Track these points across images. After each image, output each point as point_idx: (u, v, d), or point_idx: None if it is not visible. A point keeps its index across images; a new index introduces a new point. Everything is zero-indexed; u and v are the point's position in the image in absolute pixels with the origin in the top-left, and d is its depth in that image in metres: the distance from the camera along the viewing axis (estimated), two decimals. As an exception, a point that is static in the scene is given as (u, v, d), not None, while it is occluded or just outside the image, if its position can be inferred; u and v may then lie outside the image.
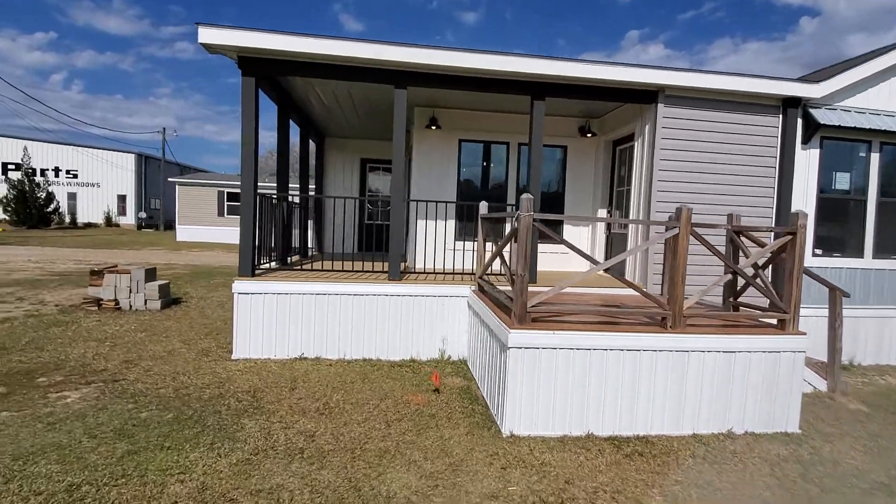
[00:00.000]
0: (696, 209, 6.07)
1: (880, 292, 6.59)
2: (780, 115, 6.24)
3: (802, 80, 6.14)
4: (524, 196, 3.88)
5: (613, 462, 3.62)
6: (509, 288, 5.15)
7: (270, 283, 5.54)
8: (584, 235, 8.06)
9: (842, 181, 6.53)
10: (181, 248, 21.56)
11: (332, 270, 6.03)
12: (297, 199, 8.03)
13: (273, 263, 6.74)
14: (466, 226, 7.56)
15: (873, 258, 6.59)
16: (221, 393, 4.46)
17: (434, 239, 6.99)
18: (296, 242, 10.79)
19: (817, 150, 6.39)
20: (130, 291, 7.91)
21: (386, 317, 5.73)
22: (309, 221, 10.25)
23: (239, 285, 5.49)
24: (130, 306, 7.90)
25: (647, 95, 6.06)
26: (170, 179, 26.67)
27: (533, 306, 3.94)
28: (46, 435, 3.48)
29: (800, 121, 6.23)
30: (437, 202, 6.59)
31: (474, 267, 6.34)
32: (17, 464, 3.08)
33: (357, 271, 6.14)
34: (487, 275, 5.63)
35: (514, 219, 3.96)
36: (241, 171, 5.59)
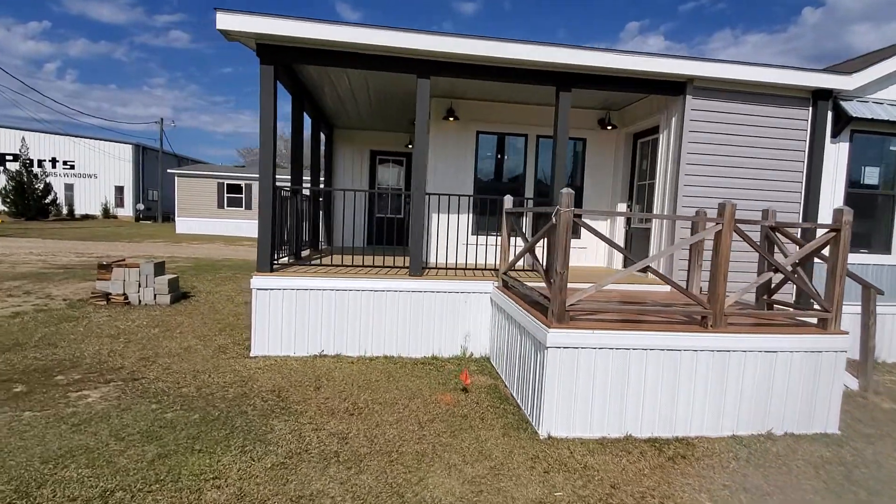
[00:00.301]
0: (705, 203, 5.98)
1: (906, 289, 6.50)
2: (810, 108, 6.10)
3: (833, 71, 6.00)
4: (564, 190, 3.74)
5: (657, 465, 3.52)
6: (539, 284, 5.03)
7: (289, 279, 5.39)
8: (603, 230, 7.93)
9: (871, 176, 6.41)
10: (181, 240, 21.33)
11: (353, 266, 5.89)
12: (308, 192, 7.86)
13: (288, 258, 6.59)
14: (483, 220, 7.42)
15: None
16: (245, 392, 4.33)
17: (449, 233, 6.85)
18: (306, 236, 10.67)
19: (847, 144, 6.26)
20: (139, 286, 7.74)
21: (407, 313, 5.60)
22: (319, 214, 10.08)
23: (257, 281, 5.34)
24: (139, 301, 7.74)
25: (675, 87, 5.90)
26: (168, 171, 26.35)
27: (571, 305, 3.81)
28: (73, 437, 3.35)
29: (829, 114, 6.09)
30: (456, 196, 6.44)
31: (497, 262, 6.21)
32: (48, 467, 2.95)
33: (377, 266, 5.99)
34: (514, 270, 5.50)
35: (553, 214, 3.82)
36: (259, 163, 5.42)
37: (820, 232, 6.22)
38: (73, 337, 5.76)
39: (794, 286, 5.43)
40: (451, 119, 7.28)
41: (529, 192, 7.63)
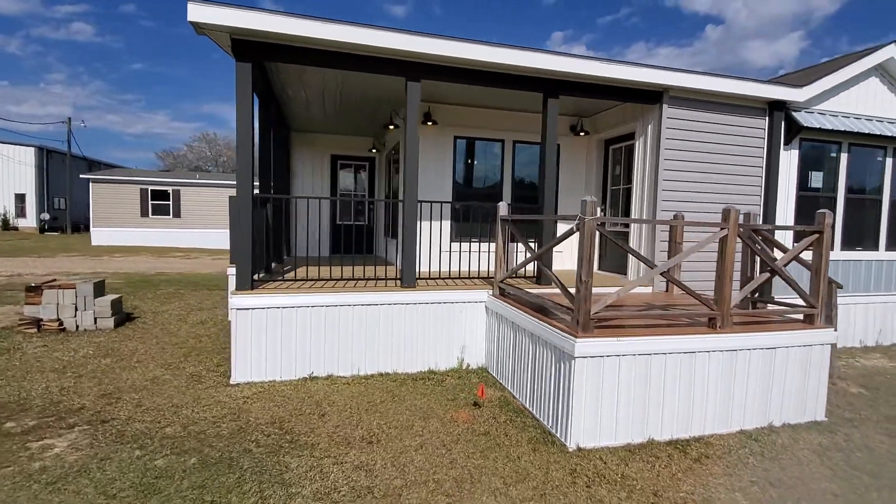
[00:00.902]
0: (695, 207, 6.29)
1: (846, 281, 7.19)
2: (767, 118, 6.59)
3: (786, 84, 6.51)
4: (588, 199, 3.70)
5: (686, 468, 3.56)
6: (545, 291, 4.99)
7: (273, 297, 4.94)
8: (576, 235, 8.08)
9: (816, 180, 7.04)
10: (101, 253, 19.28)
11: (340, 279, 5.52)
12: (275, 200, 7.31)
13: (257, 273, 6.07)
14: (464, 226, 7.30)
15: (841, 250, 7.19)
16: (241, 427, 3.88)
17: (430, 241, 6.66)
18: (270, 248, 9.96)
19: (797, 151, 6.83)
20: (76, 309, 6.80)
21: (402, 327, 5.34)
22: (281, 223, 9.47)
23: (237, 300, 4.84)
24: (77, 326, 6.80)
25: (653, 96, 6.13)
26: (82, 176, 23.73)
27: (595, 313, 3.78)
28: (52, 499, 2.78)
29: (782, 123, 6.62)
30: (440, 202, 6.27)
31: (480, 269, 6.11)
32: (32, 548, 2.42)
33: (365, 278, 5.66)
34: (513, 278, 5.42)
35: (576, 224, 3.77)
36: (237, 169, 4.92)
37: (787, 234, 6.73)
38: (10, 373, 4.90)
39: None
40: (430, 123, 7.09)
41: (507, 197, 7.62)
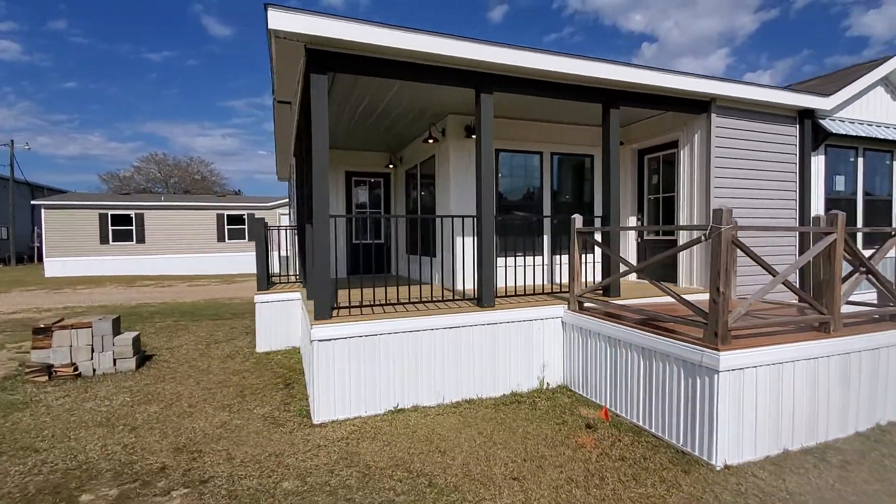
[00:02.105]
0: (744, 213, 6.42)
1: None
2: (798, 125, 6.87)
3: (813, 93, 6.82)
4: (722, 208, 3.62)
5: (837, 476, 3.49)
6: (627, 302, 4.87)
7: (354, 325, 4.55)
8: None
9: (839, 183, 7.40)
10: (61, 285, 17.66)
11: (411, 302, 5.18)
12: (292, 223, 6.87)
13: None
14: (507, 241, 7.13)
15: (862, 248, 7.56)
16: (365, 473, 3.48)
17: (470, 256, 6.44)
18: (292, 269, 9.39)
19: (823, 157, 7.16)
20: (93, 350, 6.05)
21: (483, 348, 5.06)
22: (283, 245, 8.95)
23: (319, 331, 4.41)
24: (94, 371, 6.04)
25: (701, 105, 6.24)
26: (33, 202, 21.78)
27: (733, 325, 3.69)
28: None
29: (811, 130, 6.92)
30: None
31: (531, 284, 5.93)
32: None
33: (436, 300, 5.34)
34: (591, 292, 5.29)
35: (709, 233, 3.68)
36: (314, 189, 4.52)
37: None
38: (48, 433, 4.22)
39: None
40: (474, 137, 6.90)
41: (547, 210, 7.53)
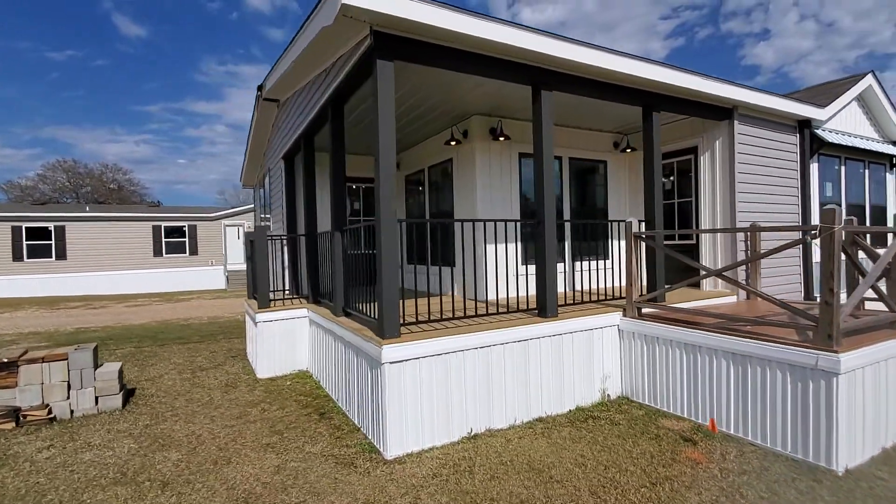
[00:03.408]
0: (762, 218, 6.63)
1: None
2: (798, 134, 7.25)
3: (812, 104, 7.23)
4: (835, 208, 3.56)
5: (948, 474, 3.51)
6: (689, 305, 4.74)
7: (424, 344, 4.03)
8: (620, 248, 8.09)
9: (829, 189, 7.90)
10: (-36, 311, 15.04)
11: (477, 315, 4.72)
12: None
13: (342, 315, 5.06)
14: (532, 247, 6.87)
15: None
16: (491, 516, 2.99)
17: (501, 264, 6.14)
18: (283, 283, 8.45)
19: (816, 165, 7.61)
20: (69, 388, 4.99)
21: (549, 362, 4.72)
22: (282, 258, 8.12)
23: (389, 352, 3.85)
24: (71, 412, 4.97)
25: (724, 112, 6.37)
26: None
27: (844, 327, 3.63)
28: None
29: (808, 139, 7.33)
30: (515, 221, 5.78)
31: (561, 293, 5.70)
32: None
33: (494, 314, 4.91)
34: (647, 299, 5.13)
35: (818, 233, 3.61)
36: (380, 190, 3.96)
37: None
38: (52, 498, 3.29)
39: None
40: (502, 139, 6.60)
41: (567, 214, 7.37)
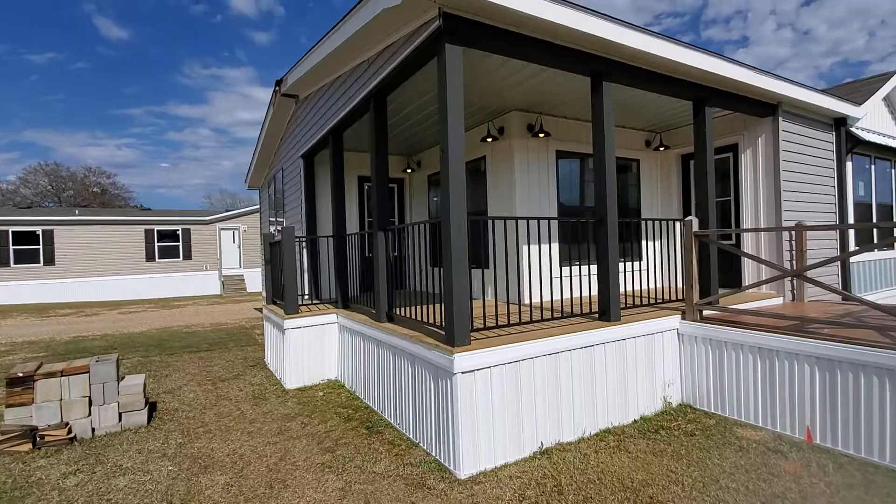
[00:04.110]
0: (802, 217, 6.46)
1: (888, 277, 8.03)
2: (834, 132, 7.13)
3: (850, 101, 7.11)
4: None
5: None
6: (747, 306, 4.51)
7: (495, 351, 3.72)
8: (656, 247, 7.87)
9: (862, 189, 7.79)
10: (-53, 319, 14.27)
11: (544, 320, 4.42)
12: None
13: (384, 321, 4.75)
14: (570, 248, 6.61)
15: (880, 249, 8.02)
16: (603, 544, 2.68)
17: (540, 266, 5.84)
18: (303, 287, 8.04)
19: (850, 163, 7.49)
20: (90, 403, 4.56)
21: (614, 369, 4.45)
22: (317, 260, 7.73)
23: (462, 361, 3.54)
24: (93, 431, 4.54)
25: (769, 108, 6.20)
26: None
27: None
28: None
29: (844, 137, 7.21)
30: (556, 219, 5.53)
31: (592, 294, 5.45)
32: None
33: (558, 318, 4.61)
34: (707, 302, 4.89)
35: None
36: (449, 191, 3.66)
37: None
38: (99, 534, 2.90)
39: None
40: (541, 135, 6.34)
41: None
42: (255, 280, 22.68)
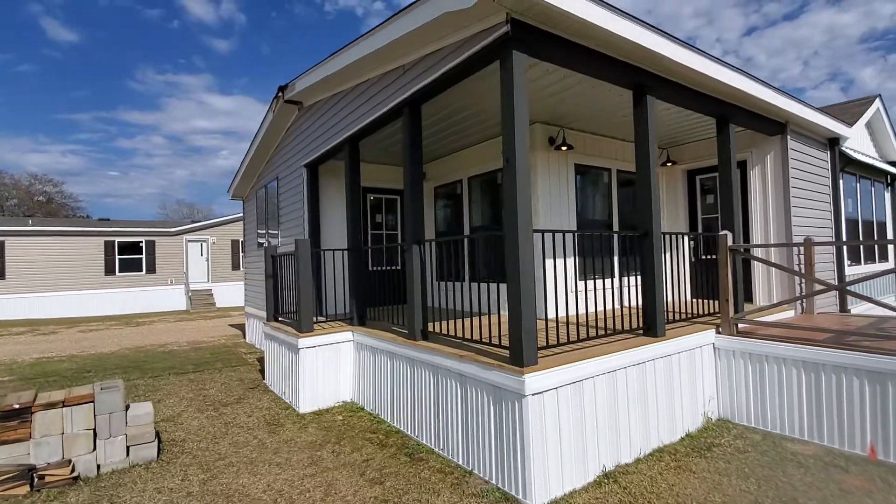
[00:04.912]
0: (807, 232, 6.69)
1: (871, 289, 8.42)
2: (828, 151, 7.47)
3: (842, 121, 7.47)
4: None
5: None
6: (779, 317, 4.55)
7: (561, 371, 3.55)
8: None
9: (849, 206, 8.18)
10: None
11: (606, 335, 4.27)
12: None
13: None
14: (587, 262, 6.57)
15: (864, 263, 8.43)
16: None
17: (565, 280, 5.79)
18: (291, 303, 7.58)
19: (840, 181, 7.86)
20: (95, 437, 4.06)
21: (661, 384, 4.36)
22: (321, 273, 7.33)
23: (533, 382, 3.35)
24: (98, 468, 4.03)
25: (778, 126, 6.40)
26: None
27: None
28: None
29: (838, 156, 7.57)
30: (581, 233, 5.49)
31: (614, 307, 5.45)
32: None
33: (604, 335, 4.47)
34: (740, 317, 4.91)
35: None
36: (517, 195, 3.49)
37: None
38: None
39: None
40: (564, 148, 6.29)
41: (616, 227, 7.14)
42: (225, 295, 21.63)
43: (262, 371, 7.86)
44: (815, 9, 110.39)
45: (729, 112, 5.56)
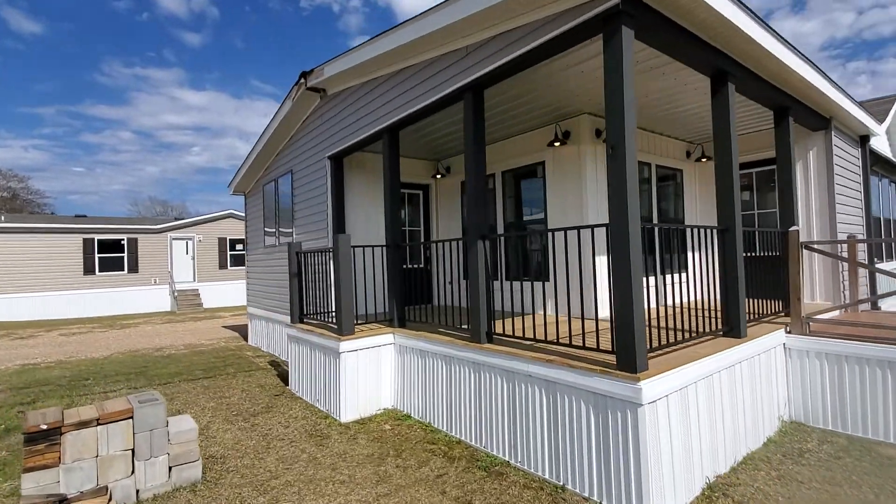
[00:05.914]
0: (848, 229, 6.62)
1: None
2: (860, 147, 7.43)
3: (875, 117, 7.44)
4: None
5: None
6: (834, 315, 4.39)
7: (671, 376, 3.26)
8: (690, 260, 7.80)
9: (875, 203, 8.19)
10: None
11: (677, 343, 3.99)
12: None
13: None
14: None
15: (885, 261, 8.46)
16: None
17: (602, 278, 5.53)
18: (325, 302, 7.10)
19: (870, 179, 7.85)
20: (134, 457, 3.57)
21: (745, 388, 4.13)
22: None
23: (649, 389, 3.05)
24: (137, 493, 3.55)
25: (822, 120, 6.29)
26: None
27: None
28: None
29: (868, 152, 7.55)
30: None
31: (656, 307, 5.26)
32: None
33: (690, 340, 4.20)
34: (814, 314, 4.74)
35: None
36: (626, 183, 3.18)
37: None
38: None
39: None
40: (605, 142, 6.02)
41: (654, 220, 6.94)
42: (212, 295, 20.74)
43: (279, 376, 7.37)
44: (780, 17, 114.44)
45: (787, 104, 5.40)
